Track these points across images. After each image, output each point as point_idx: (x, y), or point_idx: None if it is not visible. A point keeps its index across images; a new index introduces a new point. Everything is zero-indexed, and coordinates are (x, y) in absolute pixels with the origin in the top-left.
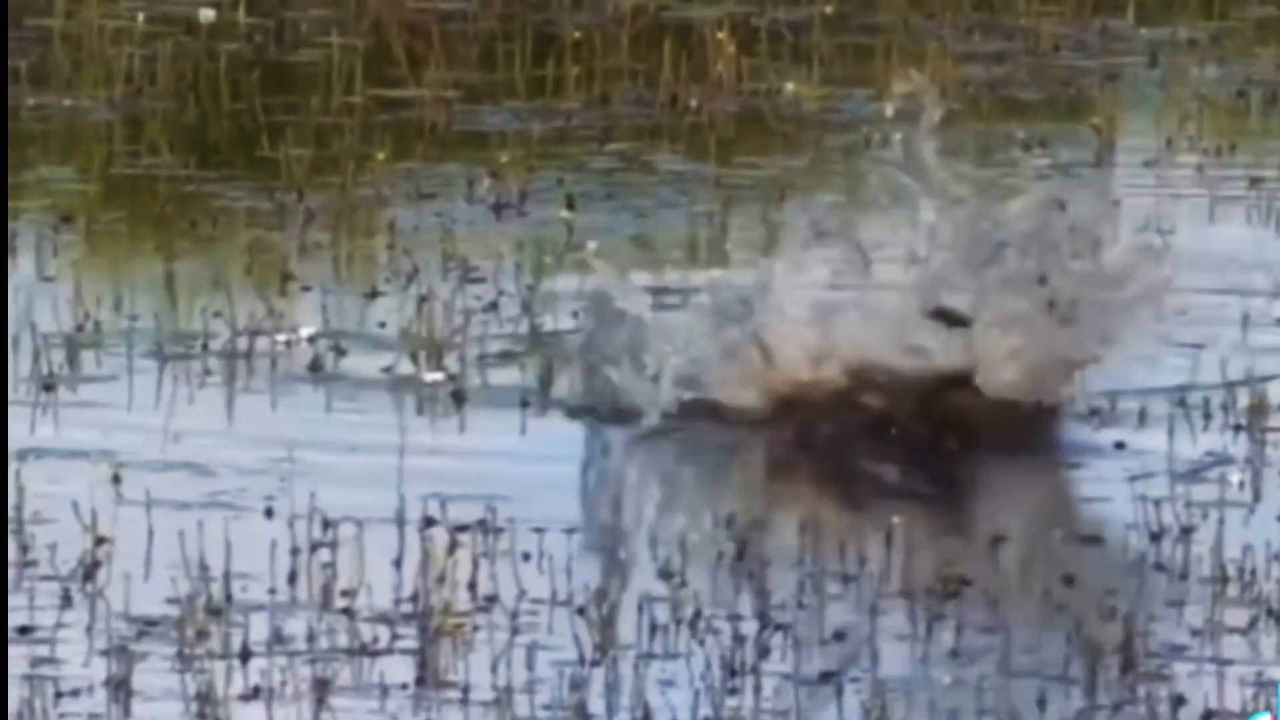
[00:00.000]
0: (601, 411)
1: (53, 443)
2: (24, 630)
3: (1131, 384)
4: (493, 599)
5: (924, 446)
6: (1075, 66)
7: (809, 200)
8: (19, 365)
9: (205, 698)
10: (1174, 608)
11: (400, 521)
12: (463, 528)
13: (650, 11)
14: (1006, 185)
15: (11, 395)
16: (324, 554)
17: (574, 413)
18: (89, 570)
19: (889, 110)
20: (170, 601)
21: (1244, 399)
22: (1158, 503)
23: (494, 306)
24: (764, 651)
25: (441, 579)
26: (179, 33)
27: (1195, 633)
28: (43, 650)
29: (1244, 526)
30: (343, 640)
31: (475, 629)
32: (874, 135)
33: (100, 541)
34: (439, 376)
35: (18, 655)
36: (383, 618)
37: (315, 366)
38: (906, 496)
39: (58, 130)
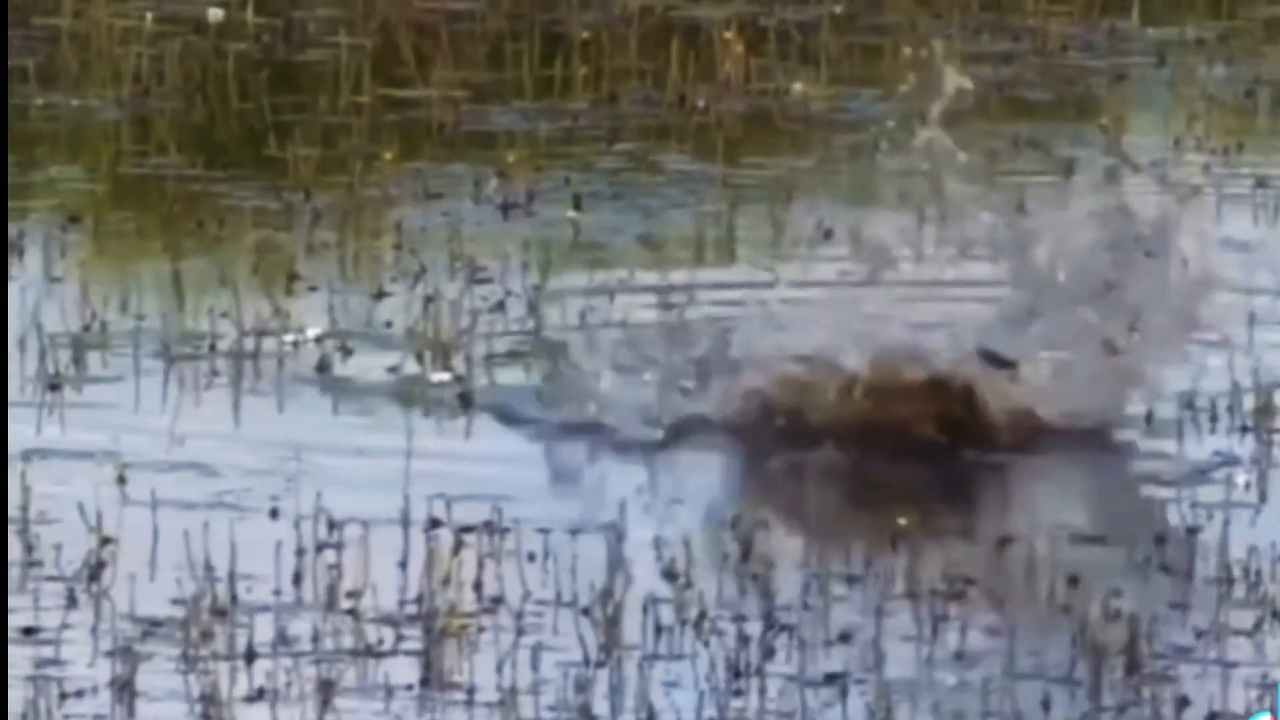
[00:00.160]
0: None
1: (58, 443)
2: (29, 631)
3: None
4: (498, 600)
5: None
6: (1083, 66)
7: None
8: (25, 365)
9: (210, 699)
10: (1179, 609)
11: (405, 522)
12: (468, 529)
13: (658, 11)
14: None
15: (17, 395)
16: (329, 555)
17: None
18: (94, 571)
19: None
20: (175, 602)
21: (1250, 400)
22: (1163, 504)
23: (501, 306)
24: (769, 652)
25: (446, 580)
26: (187, 32)
27: (1200, 634)
28: (47, 651)
29: (1250, 528)
30: (348, 641)
31: (480, 630)
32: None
33: (105, 542)
34: (446, 377)
35: (22, 656)
36: (388, 619)
37: (322, 367)
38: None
39: (65, 130)
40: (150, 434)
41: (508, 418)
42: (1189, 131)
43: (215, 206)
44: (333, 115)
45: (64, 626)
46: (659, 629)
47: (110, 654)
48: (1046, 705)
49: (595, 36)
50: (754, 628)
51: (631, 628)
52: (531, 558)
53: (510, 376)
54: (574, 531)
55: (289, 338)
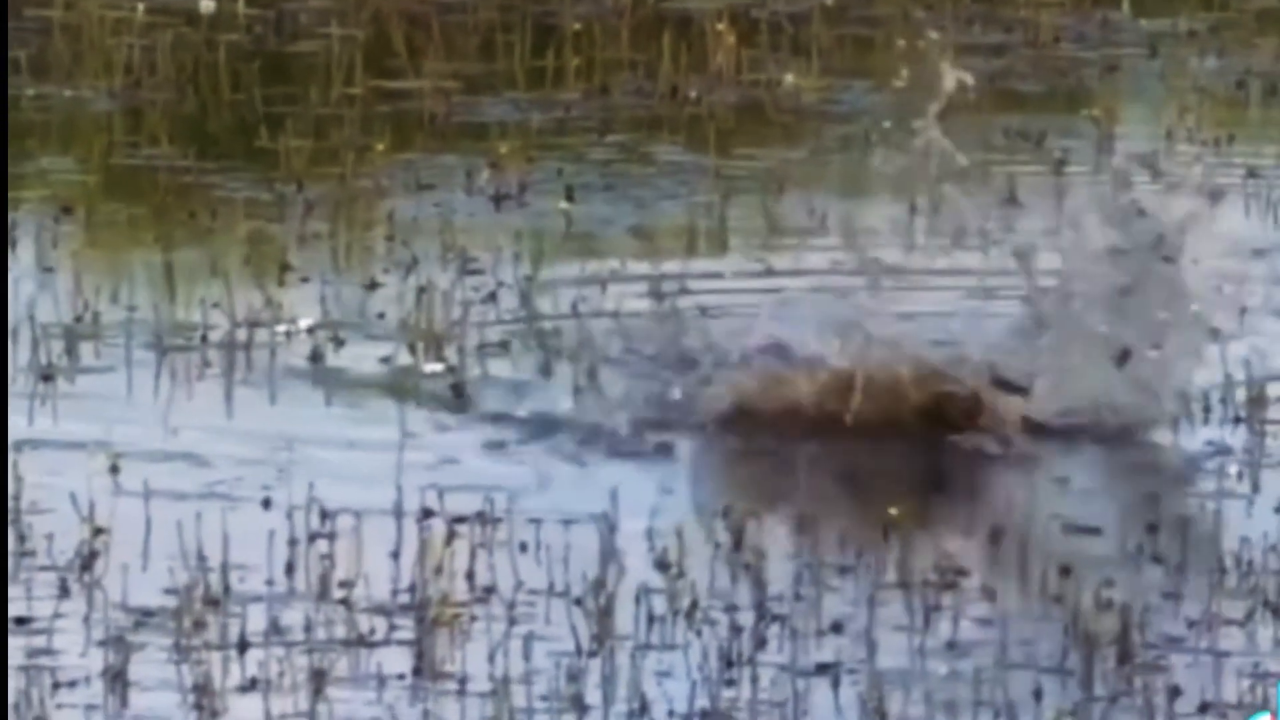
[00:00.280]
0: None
1: (51, 433)
2: (21, 621)
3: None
4: (490, 590)
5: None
6: (1075, 58)
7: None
8: (18, 355)
9: (202, 688)
10: (1171, 599)
11: (398, 512)
12: (460, 519)
13: (650, 3)
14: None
15: (10, 386)
16: (322, 545)
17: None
18: (86, 561)
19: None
20: (168, 592)
21: (1243, 391)
22: (1157, 495)
23: (493, 297)
24: (761, 642)
25: (439, 570)
26: (179, 24)
27: (1192, 624)
28: (40, 641)
29: (1243, 518)
30: (340, 631)
31: (472, 620)
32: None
33: (98, 532)
34: (438, 367)
35: (15, 646)
36: (380, 609)
37: (314, 357)
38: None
39: (58, 121)
40: (143, 424)
41: (500, 407)
42: (1180, 123)
43: (207, 197)
44: (325, 106)
45: (56, 616)
46: (651, 619)
47: (103, 644)
48: (1038, 695)
49: (587, 27)
50: (746, 618)
51: (624, 618)
52: (524, 548)
53: (502, 368)
54: (566, 522)
55: (281, 328)
